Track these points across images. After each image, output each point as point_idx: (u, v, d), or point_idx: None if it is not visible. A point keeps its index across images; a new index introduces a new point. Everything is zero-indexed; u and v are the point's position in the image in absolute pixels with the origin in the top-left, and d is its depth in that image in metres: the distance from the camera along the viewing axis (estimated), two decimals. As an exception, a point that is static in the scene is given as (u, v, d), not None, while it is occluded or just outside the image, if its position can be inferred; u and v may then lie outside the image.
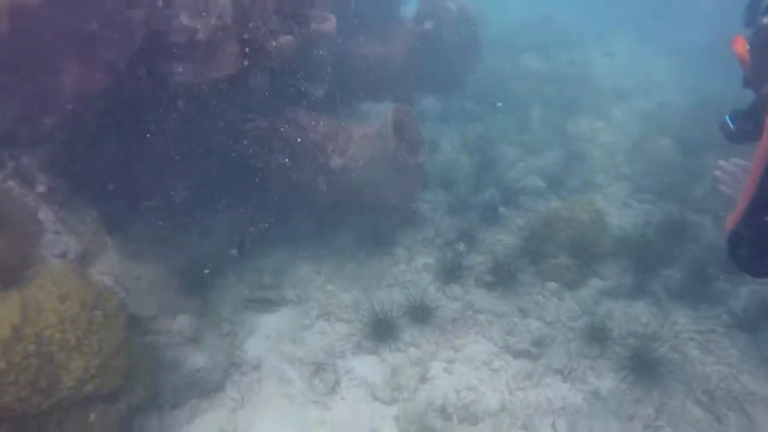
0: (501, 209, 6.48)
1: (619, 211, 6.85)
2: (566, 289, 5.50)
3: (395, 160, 5.10)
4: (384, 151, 5.12)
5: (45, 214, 3.76)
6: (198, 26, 3.32)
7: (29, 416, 3.19)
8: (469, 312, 5.25)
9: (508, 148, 7.87)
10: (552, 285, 5.49)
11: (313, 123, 5.33)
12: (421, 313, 5.12)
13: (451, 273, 5.60)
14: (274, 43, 3.72)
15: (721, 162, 2.88)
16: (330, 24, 5.07)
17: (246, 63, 3.57)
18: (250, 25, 3.48)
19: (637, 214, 6.76)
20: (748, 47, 2.81)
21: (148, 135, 3.92)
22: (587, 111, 8.75)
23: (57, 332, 3.27)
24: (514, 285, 5.48)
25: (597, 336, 4.97)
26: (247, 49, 3.54)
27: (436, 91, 6.97)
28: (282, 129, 5.30)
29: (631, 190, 7.20)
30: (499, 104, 8.16)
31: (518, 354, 4.82)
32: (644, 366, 4.65)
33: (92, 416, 3.48)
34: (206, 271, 5.03)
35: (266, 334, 4.95)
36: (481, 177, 7.17)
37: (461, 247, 5.93)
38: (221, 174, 5.12)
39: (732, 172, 2.86)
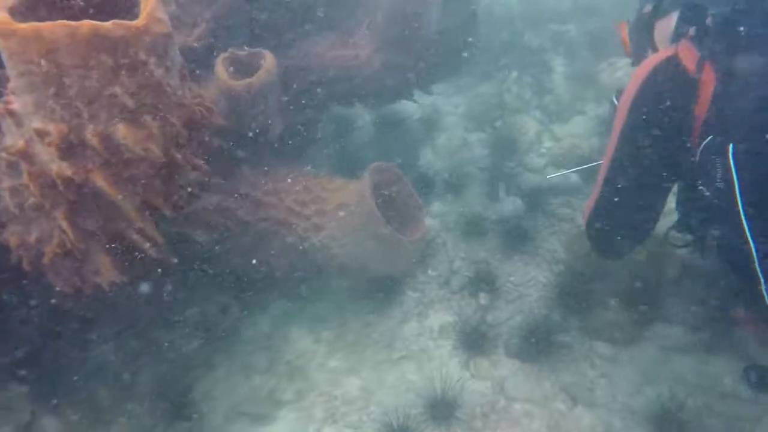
0: (526, 224, 5.21)
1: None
2: (621, 349, 4.40)
3: (385, 239, 3.88)
4: (369, 227, 3.88)
5: None
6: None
7: None
8: (502, 401, 4.25)
9: (527, 117, 6.37)
10: (602, 347, 4.39)
11: (275, 197, 4.05)
12: (443, 408, 4.16)
13: (474, 340, 4.53)
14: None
15: None
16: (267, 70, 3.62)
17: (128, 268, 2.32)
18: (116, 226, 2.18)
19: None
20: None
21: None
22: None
23: None
24: (553, 350, 4.40)
25: (666, 422, 3.95)
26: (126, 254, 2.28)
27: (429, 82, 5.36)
28: (235, 209, 4.06)
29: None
30: (515, 73, 6.50)
31: (570, 469, 3.87)
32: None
33: None
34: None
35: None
36: (497, 169, 5.81)
37: (483, 299, 4.80)
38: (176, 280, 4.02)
39: None
